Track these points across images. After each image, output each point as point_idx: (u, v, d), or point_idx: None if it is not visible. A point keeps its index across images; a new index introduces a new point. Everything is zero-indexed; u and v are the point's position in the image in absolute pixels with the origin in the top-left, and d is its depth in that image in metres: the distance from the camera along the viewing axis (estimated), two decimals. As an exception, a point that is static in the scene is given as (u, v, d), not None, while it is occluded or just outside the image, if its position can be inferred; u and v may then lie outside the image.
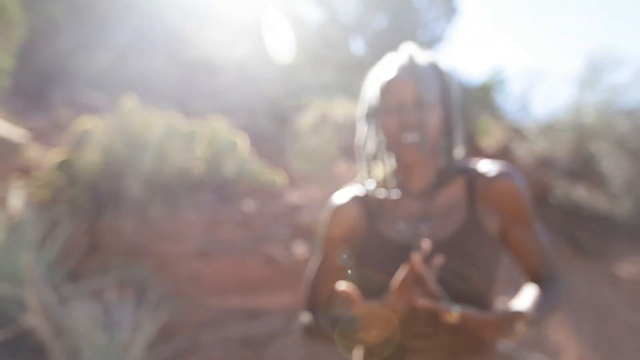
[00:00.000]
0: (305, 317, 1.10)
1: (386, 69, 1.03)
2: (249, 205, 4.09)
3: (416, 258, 0.77)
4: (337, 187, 1.25)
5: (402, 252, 0.90)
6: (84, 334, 2.20)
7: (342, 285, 0.83)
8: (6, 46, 3.45)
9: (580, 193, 5.57)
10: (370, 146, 1.05)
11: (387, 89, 0.99)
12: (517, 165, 6.02)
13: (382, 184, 1.06)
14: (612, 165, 5.70)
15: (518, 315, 0.78)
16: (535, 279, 1.02)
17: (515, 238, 1.01)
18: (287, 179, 4.65)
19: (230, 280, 3.59)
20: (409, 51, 1.03)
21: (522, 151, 6.23)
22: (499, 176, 1.00)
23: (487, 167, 1.02)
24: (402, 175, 1.03)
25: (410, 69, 0.98)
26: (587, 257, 5.04)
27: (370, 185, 1.08)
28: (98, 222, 3.53)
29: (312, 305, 1.10)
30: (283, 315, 3.46)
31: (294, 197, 4.42)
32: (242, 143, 4.39)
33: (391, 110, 0.97)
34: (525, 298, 0.93)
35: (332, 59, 7.55)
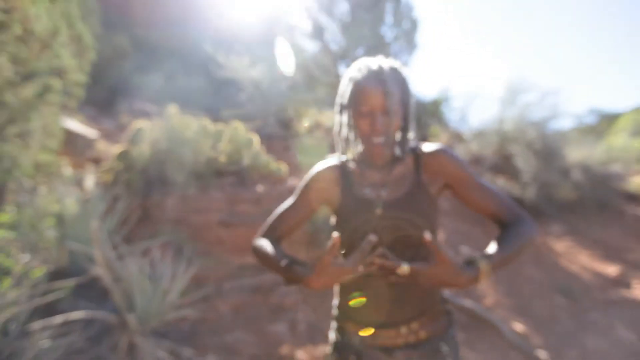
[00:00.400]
0: (260, 240, 1.07)
1: (361, 73, 0.98)
2: (260, 188, 4.05)
3: (367, 242, 0.84)
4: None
5: (369, 207, 0.99)
6: (135, 282, 2.16)
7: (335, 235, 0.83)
8: (82, 66, 3.35)
9: (501, 182, 5.62)
10: (344, 133, 1.05)
11: (361, 94, 0.96)
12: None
13: (353, 160, 1.08)
14: (523, 162, 5.77)
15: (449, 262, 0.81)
16: (501, 224, 1.00)
17: (465, 194, 1.01)
18: (288, 168, 4.62)
19: (245, 243, 3.55)
20: (378, 62, 1.00)
21: (461, 150, 6.25)
22: (436, 151, 1.02)
23: (428, 146, 1.04)
24: (367, 156, 1.01)
25: (379, 78, 0.95)
26: (506, 228, 5.07)
27: (344, 159, 1.09)
28: (147, 198, 3.48)
29: (270, 234, 1.09)
30: (284, 269, 3.45)
31: (294, 181, 4.38)
32: (256, 141, 4.34)
33: (364, 115, 0.96)
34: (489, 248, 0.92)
35: (323, 79, 7.47)
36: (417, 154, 1.04)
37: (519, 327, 3.10)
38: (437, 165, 1.01)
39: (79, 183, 3.58)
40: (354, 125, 1.00)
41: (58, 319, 2.03)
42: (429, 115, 7.34)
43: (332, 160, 1.11)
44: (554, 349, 3.02)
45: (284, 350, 2.72)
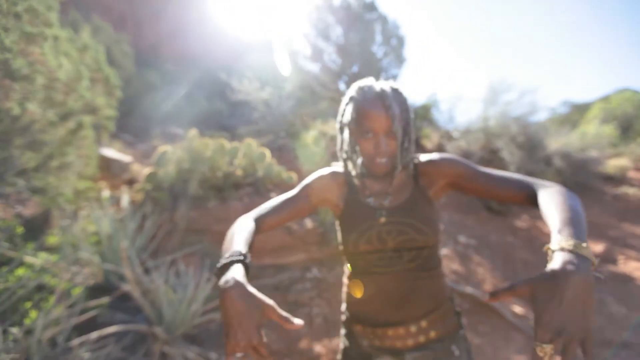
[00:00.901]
0: (244, 220, 0.84)
1: (364, 95, 0.88)
2: (274, 195, 3.90)
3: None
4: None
5: (372, 214, 0.90)
6: (162, 294, 2.03)
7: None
8: (110, 103, 3.27)
9: (490, 174, 5.38)
10: (346, 150, 0.96)
11: (365, 117, 0.86)
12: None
13: (355, 173, 0.97)
14: (508, 155, 5.54)
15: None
16: (529, 199, 0.80)
17: (472, 186, 0.89)
18: (298, 176, 4.46)
19: (263, 246, 3.42)
20: (380, 84, 0.90)
21: (450, 148, 6.02)
22: (431, 158, 0.95)
23: (425, 156, 0.97)
24: (369, 169, 0.91)
25: (383, 102, 0.85)
26: (497, 216, 4.83)
27: (348, 171, 0.99)
28: (174, 213, 3.36)
29: (259, 218, 0.86)
30: (299, 268, 3.30)
31: (303, 188, 4.22)
32: (268, 154, 4.20)
33: (368, 137, 0.87)
34: (558, 228, 0.62)
35: (324, 94, 7.33)
36: (415, 163, 0.96)
37: (517, 309, 2.88)
38: (434, 169, 0.93)
39: (116, 204, 3.50)
40: (356, 144, 0.91)
41: (95, 334, 1.91)
42: (420, 118, 7.13)
43: (338, 167, 1.01)
44: (551, 327, 2.79)
45: (303, 344, 2.56)
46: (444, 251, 3.38)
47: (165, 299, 2.04)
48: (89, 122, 2.52)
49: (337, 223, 0.98)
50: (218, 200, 3.52)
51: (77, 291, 2.09)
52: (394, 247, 0.87)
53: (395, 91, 0.90)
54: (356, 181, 0.96)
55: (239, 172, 3.88)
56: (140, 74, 11.87)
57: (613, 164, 6.83)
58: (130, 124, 9.62)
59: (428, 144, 6.46)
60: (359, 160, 0.92)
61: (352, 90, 0.92)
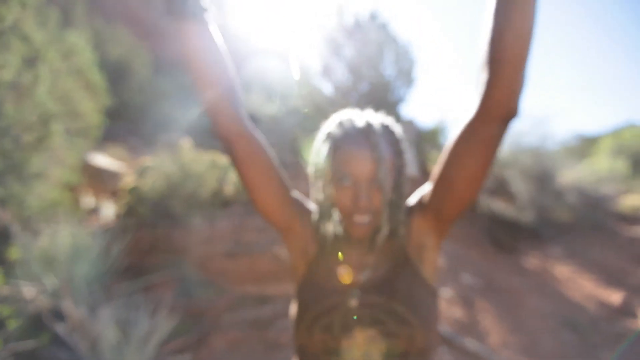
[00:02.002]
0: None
1: (343, 130, 0.64)
2: (265, 216, 3.57)
3: None
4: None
5: (341, 290, 0.64)
6: (105, 337, 1.67)
7: None
8: (97, 108, 3.01)
9: (498, 205, 5.01)
10: (320, 203, 0.68)
11: (343, 159, 0.62)
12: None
13: (329, 232, 0.70)
14: (519, 186, 5.16)
15: None
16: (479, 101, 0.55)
17: (437, 186, 0.64)
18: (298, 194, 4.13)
19: (248, 273, 3.06)
20: (366, 117, 0.66)
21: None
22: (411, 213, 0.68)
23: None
24: (346, 232, 0.67)
25: (367, 138, 0.61)
26: (504, 252, 4.40)
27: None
28: (155, 231, 3.05)
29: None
30: (285, 300, 2.92)
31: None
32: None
33: (346, 184, 0.62)
34: None
35: (332, 111, 7.09)
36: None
37: (526, 371, 2.44)
38: (416, 225, 0.67)
39: (95, 216, 3.21)
40: (331, 196, 0.64)
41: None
42: (428, 142, 6.81)
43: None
44: (566, 397, 2.34)
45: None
46: (445, 293, 2.96)
47: (108, 342, 1.68)
48: (60, 129, 2.23)
49: (295, 293, 0.70)
50: (204, 218, 3.19)
51: (13, 325, 1.75)
52: (362, 349, 0.61)
53: (386, 128, 0.65)
54: (329, 239, 0.70)
55: (229, 190, 3.56)
56: (156, 82, 11.89)
57: (627, 202, 6.36)
58: (140, 129, 9.51)
59: (435, 169, 6.13)
60: (336, 217, 0.67)
61: (330, 124, 0.68)
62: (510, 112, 0.53)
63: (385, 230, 0.65)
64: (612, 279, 4.11)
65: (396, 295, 0.62)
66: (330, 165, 0.64)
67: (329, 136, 0.66)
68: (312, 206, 0.74)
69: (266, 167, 0.66)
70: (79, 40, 2.70)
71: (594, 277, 4.06)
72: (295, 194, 0.74)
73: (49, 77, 2.22)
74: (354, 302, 0.63)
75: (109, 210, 3.17)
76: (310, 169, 0.71)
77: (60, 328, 1.66)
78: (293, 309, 0.68)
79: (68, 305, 1.65)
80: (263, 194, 0.66)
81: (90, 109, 2.88)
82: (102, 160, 4.05)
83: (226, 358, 2.41)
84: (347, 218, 0.63)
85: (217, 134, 0.64)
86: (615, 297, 3.71)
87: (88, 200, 3.24)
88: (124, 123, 9.05)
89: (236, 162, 0.65)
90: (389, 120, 0.67)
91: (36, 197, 2.48)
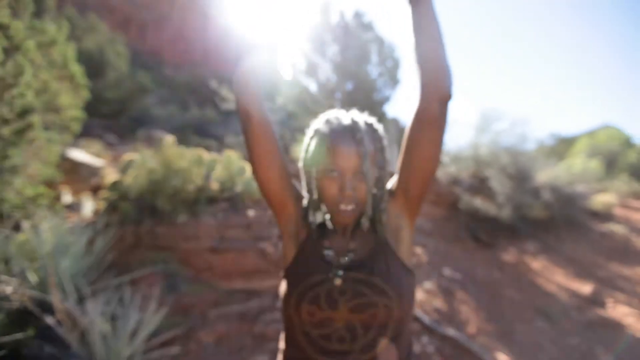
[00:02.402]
0: None
1: (330, 127, 0.71)
2: (251, 213, 3.60)
3: None
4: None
5: (327, 269, 0.71)
6: (94, 328, 1.69)
7: None
8: (76, 102, 2.96)
9: (478, 202, 5.20)
10: (308, 192, 0.76)
11: (330, 152, 0.69)
12: (436, 183, 5.61)
13: (318, 220, 0.78)
14: (498, 184, 5.37)
15: None
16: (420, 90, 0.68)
17: (404, 169, 0.73)
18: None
19: (234, 268, 3.10)
20: (352, 115, 0.73)
21: (441, 174, 5.84)
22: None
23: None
24: (332, 219, 0.75)
25: (352, 134, 0.69)
26: (483, 248, 4.59)
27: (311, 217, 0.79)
28: (139, 226, 3.03)
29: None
30: (271, 295, 2.97)
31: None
32: (248, 168, 3.92)
33: (332, 176, 0.69)
34: None
35: (318, 110, 7.15)
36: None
37: (502, 357, 2.59)
38: (390, 210, 0.75)
39: (75, 212, 3.16)
40: (318, 186, 0.72)
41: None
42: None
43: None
44: (539, 380, 2.51)
45: (263, 388, 2.22)
46: (427, 285, 3.09)
47: (98, 333, 1.70)
48: (39, 122, 2.20)
49: (283, 275, 0.77)
50: (189, 215, 3.20)
51: (-4, 319, 1.74)
52: (345, 318, 0.67)
53: (370, 126, 0.73)
54: (316, 227, 0.77)
55: (215, 187, 3.58)
56: (134, 76, 11.58)
57: (599, 200, 6.72)
58: (117, 125, 9.27)
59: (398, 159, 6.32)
60: (323, 207, 0.75)
61: (319, 122, 0.75)
62: (443, 95, 0.65)
63: (367, 219, 0.73)
64: (583, 272, 4.37)
65: (375, 271, 0.69)
66: (318, 159, 0.71)
67: (318, 133, 0.73)
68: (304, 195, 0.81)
69: (274, 146, 0.74)
70: (57, 31, 2.65)
71: (567, 270, 4.30)
72: (294, 181, 0.81)
73: (30, 69, 2.19)
74: (337, 279, 0.70)
75: (89, 206, 3.12)
76: (300, 163, 0.78)
77: (49, 320, 1.66)
78: (282, 287, 0.74)
79: (55, 298, 1.65)
80: (268, 170, 0.74)
81: (70, 102, 2.84)
82: (80, 155, 3.97)
83: (214, 351, 2.45)
84: (333, 206, 0.70)
85: (240, 107, 0.72)
86: (585, 288, 3.95)
87: (66, 196, 3.18)
88: (98, 119, 8.81)
89: (251, 136, 0.73)
90: (373, 120, 0.75)
91: (14, 192, 2.44)
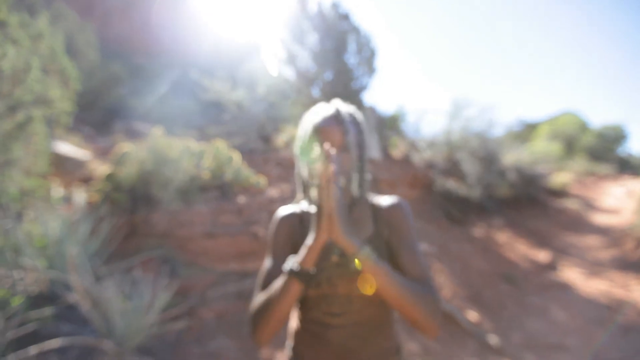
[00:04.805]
0: (255, 301, 0.81)
1: (319, 116, 0.86)
2: (241, 200, 3.78)
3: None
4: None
5: (325, 253, 0.81)
6: (114, 305, 1.86)
7: None
8: (67, 95, 2.99)
9: (451, 184, 5.57)
10: (303, 175, 0.91)
11: (320, 134, 0.83)
12: (413, 167, 5.95)
13: (311, 203, 0.90)
14: (468, 167, 5.76)
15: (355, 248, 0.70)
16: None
17: (398, 251, 0.83)
18: (268, 180, 4.36)
19: (228, 251, 3.28)
20: (335, 105, 0.88)
21: (416, 158, 6.18)
22: (392, 205, 0.89)
23: (385, 200, 0.90)
24: None
25: (337, 119, 0.84)
26: (456, 225, 5.00)
27: (304, 204, 0.93)
28: (134, 216, 3.14)
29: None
30: (264, 273, 3.19)
31: (272, 193, 4.13)
32: (236, 157, 4.06)
33: (322, 158, 0.78)
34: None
35: (298, 99, 7.26)
36: (375, 205, 0.90)
37: (472, 315, 2.97)
38: (391, 218, 0.87)
39: (68, 204, 3.21)
40: (312, 168, 0.86)
41: (34, 348, 1.71)
42: (388, 128, 7.26)
43: (291, 207, 0.95)
44: (502, 333, 2.91)
45: (264, 354, 2.47)
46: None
47: (117, 309, 1.87)
48: (40, 116, 2.27)
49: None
50: (182, 203, 3.34)
51: (17, 301, 1.87)
52: (344, 292, 0.82)
53: (351, 115, 0.88)
54: (311, 213, 0.88)
55: (206, 175, 3.72)
56: (105, 65, 11.08)
57: (557, 180, 7.37)
58: (91, 117, 8.96)
59: (395, 153, 6.58)
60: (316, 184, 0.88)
61: (310, 114, 0.90)
62: (426, 334, 0.74)
63: (356, 191, 0.86)
64: (541, 242, 4.89)
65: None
66: (310, 143, 0.84)
67: (309, 123, 0.87)
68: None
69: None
70: (46, 23, 2.66)
71: (527, 241, 4.80)
72: (281, 248, 0.88)
73: (22, 61, 2.24)
74: (335, 258, 0.82)
75: (81, 198, 3.19)
76: (295, 150, 0.92)
77: (70, 298, 1.81)
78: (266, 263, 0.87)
79: (74, 279, 1.80)
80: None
81: (61, 95, 2.87)
82: (66, 148, 3.97)
83: (217, 327, 2.66)
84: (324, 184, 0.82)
85: (257, 341, 0.78)
86: (543, 255, 4.45)
87: (57, 188, 3.23)
88: (71, 111, 8.49)
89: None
90: (353, 109, 0.91)
91: (12, 184, 2.50)
